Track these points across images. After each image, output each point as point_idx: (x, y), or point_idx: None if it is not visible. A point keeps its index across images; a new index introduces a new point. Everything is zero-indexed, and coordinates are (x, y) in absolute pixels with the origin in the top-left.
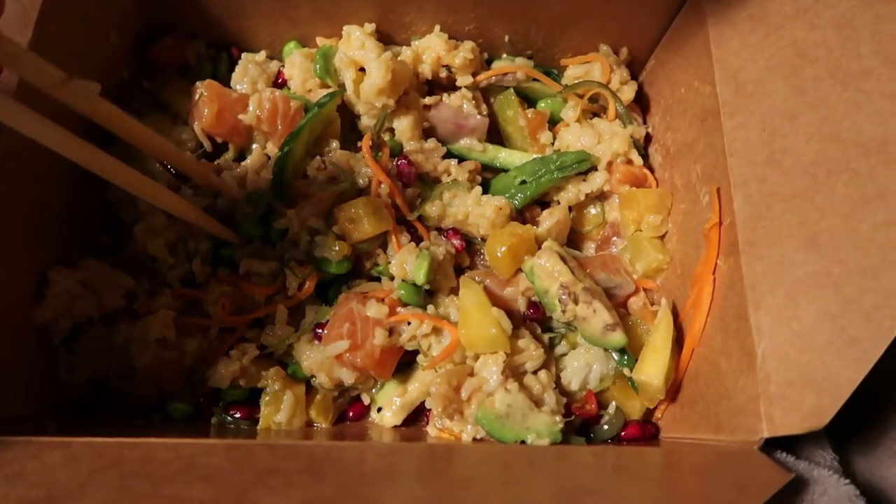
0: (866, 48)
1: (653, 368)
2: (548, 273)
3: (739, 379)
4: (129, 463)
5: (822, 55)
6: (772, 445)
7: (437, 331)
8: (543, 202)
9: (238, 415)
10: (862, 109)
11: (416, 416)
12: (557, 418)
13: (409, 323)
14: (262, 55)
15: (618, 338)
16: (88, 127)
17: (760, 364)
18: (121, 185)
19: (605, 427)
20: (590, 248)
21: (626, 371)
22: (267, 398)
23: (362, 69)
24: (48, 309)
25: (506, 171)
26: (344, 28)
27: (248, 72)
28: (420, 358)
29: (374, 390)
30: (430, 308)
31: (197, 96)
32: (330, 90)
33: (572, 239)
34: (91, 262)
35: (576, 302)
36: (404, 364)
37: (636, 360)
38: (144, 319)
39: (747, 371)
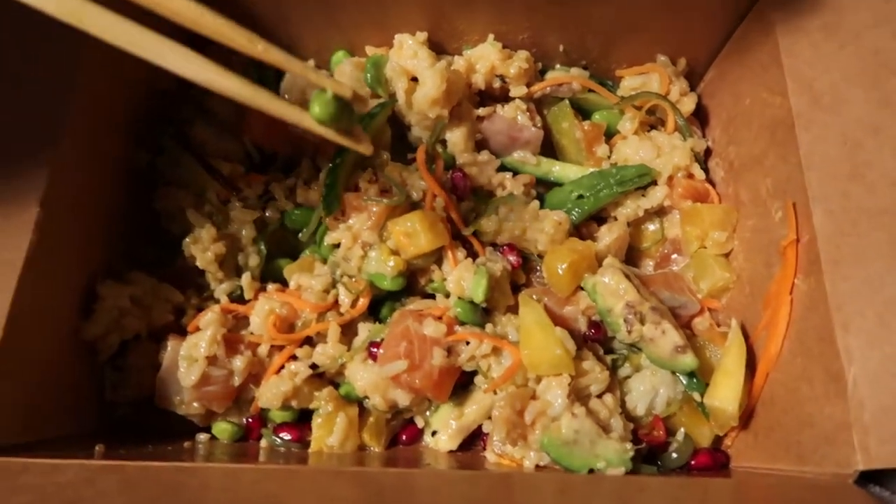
0: None
1: (726, 393)
2: (612, 291)
3: (825, 406)
4: (189, 490)
5: None
6: (864, 479)
7: (496, 351)
8: (599, 217)
9: (288, 436)
10: None
11: (472, 439)
12: (628, 445)
13: (467, 343)
14: (310, 64)
15: (688, 360)
16: None
17: (851, 390)
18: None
19: (674, 455)
20: (648, 266)
21: (696, 395)
22: (319, 420)
23: (414, 79)
24: (97, 324)
25: (559, 184)
26: (396, 37)
27: (296, 81)
28: (478, 379)
29: (428, 413)
30: (488, 327)
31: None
32: (380, 100)
33: (629, 256)
34: (140, 276)
35: (642, 322)
36: (459, 386)
37: (706, 383)
38: (193, 336)
39: (834, 397)
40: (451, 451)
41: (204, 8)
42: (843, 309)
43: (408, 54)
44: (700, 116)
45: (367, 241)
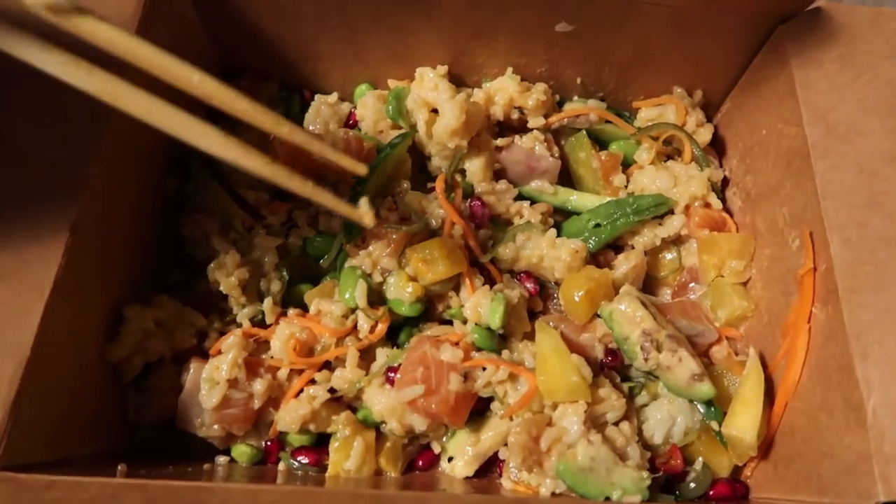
0: None
1: (745, 422)
2: (628, 318)
3: (845, 436)
4: None
5: None
6: None
7: (512, 377)
8: (616, 246)
9: (306, 460)
10: None
11: (488, 466)
12: (644, 473)
13: (483, 368)
14: (333, 97)
15: (706, 389)
16: None
17: (871, 420)
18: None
19: (692, 485)
20: (665, 295)
21: (714, 425)
22: (336, 444)
23: (434, 110)
24: (122, 346)
25: (576, 213)
26: (417, 70)
27: (320, 113)
28: (495, 405)
29: (444, 438)
30: (505, 353)
31: (270, 137)
32: (401, 131)
33: (646, 284)
34: (164, 300)
35: (659, 350)
36: (475, 412)
37: (724, 412)
38: (215, 359)
39: (855, 427)
40: (467, 478)
41: (236, 93)
42: (862, 338)
43: (428, 87)
44: (717, 147)
45: (386, 268)
